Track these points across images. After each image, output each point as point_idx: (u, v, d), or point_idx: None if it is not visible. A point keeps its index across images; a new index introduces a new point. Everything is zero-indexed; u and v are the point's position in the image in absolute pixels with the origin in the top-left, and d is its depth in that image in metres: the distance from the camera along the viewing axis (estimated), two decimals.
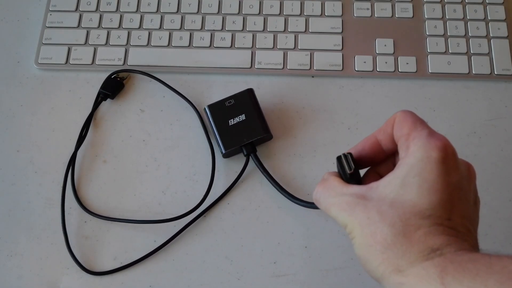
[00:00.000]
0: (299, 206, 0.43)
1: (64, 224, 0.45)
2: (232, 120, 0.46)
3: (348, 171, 0.32)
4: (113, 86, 0.50)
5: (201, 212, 0.45)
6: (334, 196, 0.32)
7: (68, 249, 0.44)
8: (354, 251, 0.30)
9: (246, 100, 0.46)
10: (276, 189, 0.44)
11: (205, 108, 0.47)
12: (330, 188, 0.32)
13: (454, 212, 0.28)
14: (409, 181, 0.28)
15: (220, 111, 0.46)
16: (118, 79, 0.51)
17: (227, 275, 0.43)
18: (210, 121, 0.46)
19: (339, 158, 0.33)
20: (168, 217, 0.44)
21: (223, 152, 0.45)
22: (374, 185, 0.30)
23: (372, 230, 0.28)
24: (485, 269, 0.25)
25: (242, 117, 0.46)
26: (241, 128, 0.45)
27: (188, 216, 0.44)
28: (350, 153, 0.33)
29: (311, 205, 0.36)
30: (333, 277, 0.43)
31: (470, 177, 0.31)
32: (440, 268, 0.26)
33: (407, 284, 0.27)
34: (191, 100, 0.50)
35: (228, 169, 0.47)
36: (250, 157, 0.46)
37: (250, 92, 0.47)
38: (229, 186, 0.46)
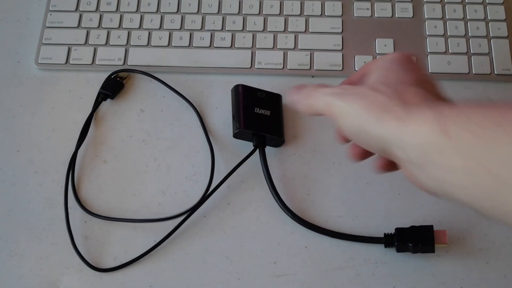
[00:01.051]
0: (299, 206, 0.43)
1: (68, 222, 0.44)
2: (258, 109, 0.46)
3: None
4: (113, 86, 0.50)
5: (201, 204, 0.45)
6: (325, 87, 0.34)
7: (73, 244, 0.44)
8: (347, 128, 0.32)
9: (276, 101, 0.48)
10: (270, 191, 0.45)
11: (237, 86, 0.47)
12: (319, 86, 0.35)
13: (433, 87, 0.32)
14: (386, 66, 0.33)
15: (251, 96, 0.47)
16: (118, 79, 0.51)
17: (227, 275, 0.43)
18: (239, 97, 0.47)
19: None
20: (165, 223, 0.44)
21: (239, 129, 0.46)
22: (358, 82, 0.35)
23: (367, 100, 0.30)
24: (480, 111, 0.26)
25: (268, 112, 0.46)
26: (263, 120, 0.46)
27: (187, 215, 0.44)
28: None
29: (298, 220, 0.41)
30: (333, 277, 0.43)
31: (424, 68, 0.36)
32: (438, 112, 0.27)
33: (410, 133, 0.28)
34: (191, 100, 0.50)
35: (228, 169, 0.47)
36: (258, 149, 0.46)
37: (280, 97, 0.48)
38: (231, 170, 0.45)
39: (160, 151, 0.48)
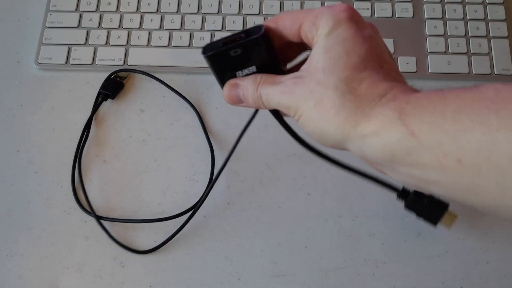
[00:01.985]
0: (299, 206, 0.43)
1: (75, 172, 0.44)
2: (240, 72, 0.34)
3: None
4: (113, 86, 0.50)
5: (203, 201, 0.45)
6: (273, 84, 0.31)
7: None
8: (306, 130, 0.30)
9: (257, 46, 0.32)
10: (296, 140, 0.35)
11: (204, 54, 0.32)
12: (269, 78, 0.32)
13: (382, 60, 0.29)
14: (331, 46, 0.29)
15: (223, 62, 0.33)
16: (118, 79, 0.51)
17: (227, 275, 0.43)
18: (213, 70, 0.34)
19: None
20: (166, 222, 0.44)
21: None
22: (304, 66, 0.31)
23: (318, 99, 0.28)
24: (440, 102, 0.25)
25: (253, 69, 0.34)
26: None
27: (188, 213, 0.44)
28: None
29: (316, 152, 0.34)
30: (333, 277, 0.43)
31: (376, 31, 0.31)
32: (398, 110, 0.26)
33: (370, 135, 0.27)
34: (191, 100, 0.50)
35: (228, 169, 0.47)
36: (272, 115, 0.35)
37: (259, 38, 0.31)
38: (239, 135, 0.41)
39: (160, 151, 0.48)
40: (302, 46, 0.33)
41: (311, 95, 0.29)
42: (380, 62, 0.29)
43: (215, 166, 0.46)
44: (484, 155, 0.23)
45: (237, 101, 0.34)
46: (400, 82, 0.29)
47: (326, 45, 0.29)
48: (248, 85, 0.32)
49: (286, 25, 0.31)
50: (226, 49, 0.31)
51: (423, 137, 0.25)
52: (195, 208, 0.44)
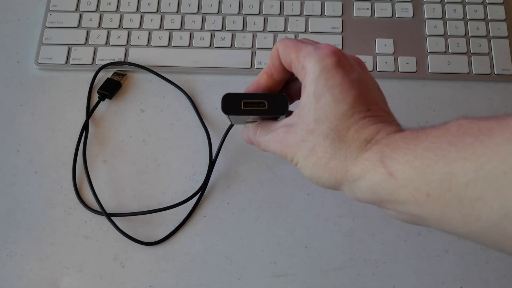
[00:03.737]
0: (299, 206, 0.43)
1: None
2: (249, 120, 0.36)
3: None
4: (111, 86, 0.50)
5: (201, 192, 0.45)
6: (268, 133, 0.34)
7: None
8: (303, 175, 0.32)
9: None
10: None
11: (226, 115, 0.35)
12: (264, 127, 0.34)
13: (369, 102, 0.30)
14: (320, 94, 0.30)
15: (239, 116, 0.35)
16: (116, 79, 0.51)
17: (227, 275, 0.43)
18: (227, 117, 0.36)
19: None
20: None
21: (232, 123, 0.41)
22: (295, 111, 0.32)
23: (310, 148, 0.30)
24: (413, 142, 0.27)
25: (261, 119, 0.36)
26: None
27: (187, 213, 0.44)
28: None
29: None
30: (333, 277, 0.43)
31: (363, 68, 0.33)
32: (380, 154, 0.28)
33: (359, 179, 0.29)
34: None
35: (228, 168, 0.47)
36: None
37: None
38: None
39: (160, 151, 0.48)
40: (287, 82, 0.36)
41: (304, 144, 0.31)
42: (368, 104, 0.30)
43: (215, 167, 0.46)
44: (446, 186, 0.24)
45: (249, 143, 0.37)
46: (386, 122, 0.30)
47: (315, 92, 0.30)
48: (250, 132, 0.36)
49: (282, 55, 0.33)
50: (245, 114, 0.34)
51: (399, 176, 0.26)
52: (202, 190, 0.44)
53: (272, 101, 0.33)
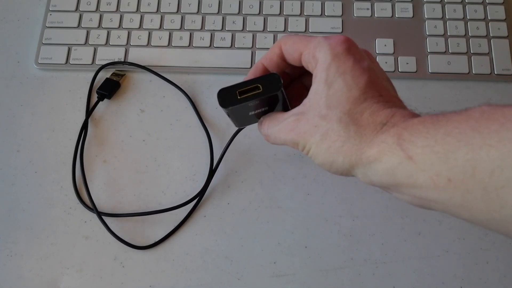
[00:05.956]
0: (299, 206, 0.43)
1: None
2: (253, 112, 0.36)
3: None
4: (110, 86, 0.50)
5: (202, 193, 0.45)
6: (277, 124, 0.33)
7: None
8: (316, 162, 0.32)
9: (273, 98, 0.34)
10: None
11: (224, 110, 0.34)
12: (273, 119, 0.34)
13: (381, 89, 0.31)
14: (332, 80, 0.30)
15: (240, 110, 0.35)
16: (114, 79, 0.51)
17: (227, 275, 0.43)
18: (229, 117, 0.36)
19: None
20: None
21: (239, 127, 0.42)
22: (305, 100, 0.32)
23: (323, 133, 0.30)
24: (433, 126, 0.27)
25: (265, 108, 0.36)
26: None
27: (187, 211, 0.44)
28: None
29: None
30: (333, 277, 0.43)
31: (373, 60, 0.33)
32: (397, 136, 0.28)
33: (374, 161, 0.28)
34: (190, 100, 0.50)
35: (228, 168, 0.47)
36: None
37: (280, 92, 0.33)
38: None
39: (160, 151, 0.48)
40: (303, 68, 0.35)
41: (316, 130, 0.30)
42: (380, 90, 0.30)
43: (214, 165, 0.46)
44: (469, 173, 0.24)
45: (261, 130, 0.36)
46: (400, 107, 0.30)
47: (327, 79, 0.30)
48: (259, 126, 0.36)
49: (288, 51, 0.33)
50: (244, 102, 0.33)
51: (419, 160, 0.26)
52: (199, 196, 0.44)
53: (265, 82, 0.33)
